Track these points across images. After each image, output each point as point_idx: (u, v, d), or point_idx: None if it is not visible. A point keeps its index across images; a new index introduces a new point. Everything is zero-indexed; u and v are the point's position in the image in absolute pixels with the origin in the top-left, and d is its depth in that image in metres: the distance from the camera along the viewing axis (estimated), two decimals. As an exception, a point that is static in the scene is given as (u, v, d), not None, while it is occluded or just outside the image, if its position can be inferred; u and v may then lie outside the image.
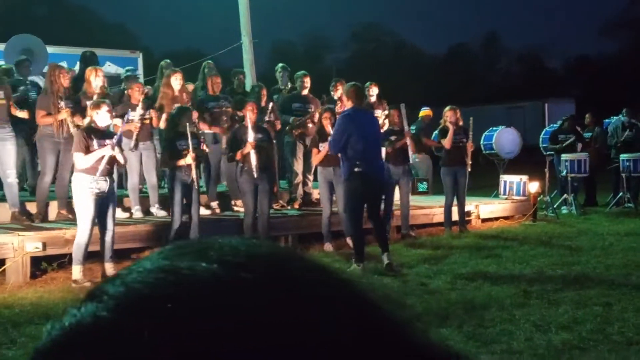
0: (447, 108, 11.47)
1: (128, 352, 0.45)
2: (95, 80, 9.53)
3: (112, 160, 7.92)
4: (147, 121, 9.77)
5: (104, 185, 7.78)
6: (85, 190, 7.72)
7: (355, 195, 8.41)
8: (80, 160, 7.77)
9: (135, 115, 9.63)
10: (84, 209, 7.75)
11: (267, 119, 10.63)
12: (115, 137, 7.95)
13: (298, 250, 0.55)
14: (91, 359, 0.46)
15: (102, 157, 7.70)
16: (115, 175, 8.78)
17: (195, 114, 9.93)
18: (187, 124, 8.83)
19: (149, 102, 10.01)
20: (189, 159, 8.65)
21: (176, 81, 10.11)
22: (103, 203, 7.86)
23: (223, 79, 11.37)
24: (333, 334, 0.47)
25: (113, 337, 0.46)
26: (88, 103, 8.45)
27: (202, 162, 9.79)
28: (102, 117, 7.86)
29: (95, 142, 7.76)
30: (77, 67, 12.79)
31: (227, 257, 0.51)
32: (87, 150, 7.71)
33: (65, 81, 9.08)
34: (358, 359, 0.46)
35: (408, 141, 10.46)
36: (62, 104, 8.97)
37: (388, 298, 0.52)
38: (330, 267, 0.54)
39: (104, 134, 7.93)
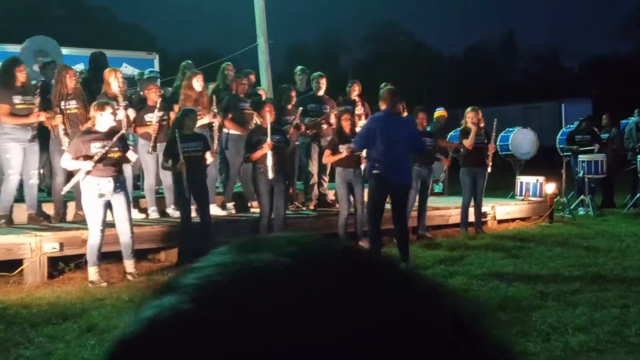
0: (469, 109, 11.43)
1: (210, 344, 0.45)
2: (115, 82, 9.57)
3: (119, 161, 7.95)
4: (165, 122, 9.81)
5: (108, 187, 7.78)
6: (89, 192, 7.76)
7: (373, 196, 8.54)
8: (65, 160, 7.85)
9: (153, 116, 9.67)
10: (91, 210, 7.79)
11: (295, 121, 10.60)
12: (114, 140, 7.82)
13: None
14: (173, 351, 0.46)
15: (79, 170, 7.72)
16: (130, 177, 8.84)
17: (218, 118, 9.97)
18: (189, 126, 8.80)
19: (166, 103, 10.04)
20: (179, 166, 8.52)
21: (197, 83, 10.12)
22: (113, 204, 7.89)
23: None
24: (417, 331, 0.47)
25: (194, 329, 0.47)
26: (93, 104, 8.49)
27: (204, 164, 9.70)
28: (105, 119, 7.81)
29: (91, 146, 7.73)
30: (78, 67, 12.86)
31: (298, 250, 0.52)
32: (79, 153, 7.71)
33: (72, 82, 9.11)
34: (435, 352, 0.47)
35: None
36: (64, 104, 8.98)
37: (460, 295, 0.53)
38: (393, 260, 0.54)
39: (106, 135, 7.85)
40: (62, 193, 8.68)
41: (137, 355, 0.48)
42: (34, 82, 9.72)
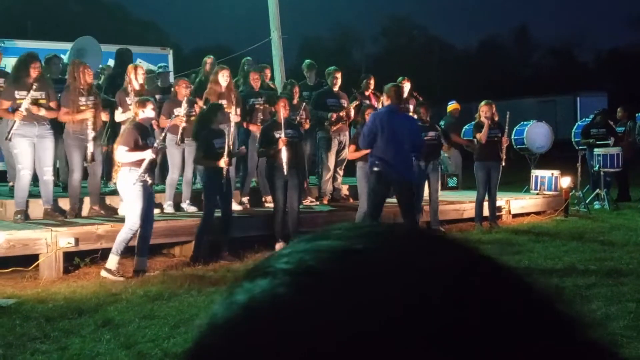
0: (483, 103, 11.37)
1: (310, 328, 0.45)
2: (137, 78, 9.65)
3: (154, 160, 8.11)
4: (192, 117, 9.88)
5: (152, 179, 7.99)
6: (139, 182, 7.83)
7: (373, 193, 8.69)
8: (124, 153, 7.89)
9: (181, 111, 9.75)
10: (138, 200, 7.86)
11: (298, 118, 10.62)
12: (159, 140, 8.14)
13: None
14: (272, 336, 0.46)
15: (144, 159, 7.83)
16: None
17: (238, 111, 10.08)
18: (220, 121, 8.87)
19: (192, 99, 10.10)
20: (222, 163, 8.63)
21: (223, 78, 10.18)
22: (150, 197, 8.03)
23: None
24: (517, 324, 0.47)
25: (293, 314, 0.46)
26: (131, 100, 8.67)
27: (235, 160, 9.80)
28: (147, 115, 8.03)
29: (145, 139, 7.92)
30: (109, 64, 12.93)
31: (389, 238, 0.52)
32: (136, 144, 7.82)
33: (88, 78, 9.15)
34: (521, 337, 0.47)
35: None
36: (83, 100, 9.04)
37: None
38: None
39: (149, 131, 8.12)
40: (134, 184, 8.59)
41: (232, 340, 0.47)
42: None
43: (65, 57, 11.91)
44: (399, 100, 9.01)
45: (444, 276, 0.48)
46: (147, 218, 8.01)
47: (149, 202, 8.03)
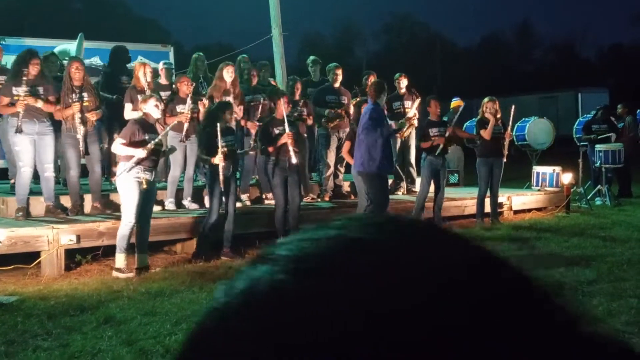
0: (487, 99, 11.34)
1: (307, 315, 0.45)
2: (144, 76, 9.68)
3: (157, 154, 8.07)
4: (196, 115, 9.88)
5: (149, 176, 7.92)
6: (133, 180, 7.83)
7: (384, 192, 9.25)
8: (118, 146, 7.94)
9: (184, 108, 9.75)
10: (131, 198, 7.85)
11: (296, 114, 10.61)
12: (163, 133, 8.14)
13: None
14: (269, 321, 0.46)
15: (133, 155, 7.81)
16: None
17: (241, 108, 10.10)
18: (227, 119, 8.84)
19: (196, 97, 10.10)
20: (217, 160, 8.53)
21: (228, 74, 10.21)
22: (147, 193, 7.99)
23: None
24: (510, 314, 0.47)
25: (292, 300, 0.47)
26: (139, 97, 8.76)
27: (238, 158, 9.74)
28: (149, 111, 8.04)
29: (145, 135, 7.90)
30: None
31: (388, 227, 0.52)
32: (132, 139, 7.85)
33: (79, 74, 9.12)
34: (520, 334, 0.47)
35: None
36: (74, 97, 9.01)
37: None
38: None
39: (153, 129, 8.08)
40: (113, 180, 8.69)
41: (232, 325, 0.48)
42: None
43: (73, 51, 11.96)
44: (375, 96, 9.28)
45: (445, 269, 0.48)
46: (143, 214, 8.01)
47: (145, 198, 7.99)
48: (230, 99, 9.86)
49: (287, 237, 0.54)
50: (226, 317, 0.49)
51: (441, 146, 10.54)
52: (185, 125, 9.73)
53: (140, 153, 7.78)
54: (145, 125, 8.02)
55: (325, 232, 0.52)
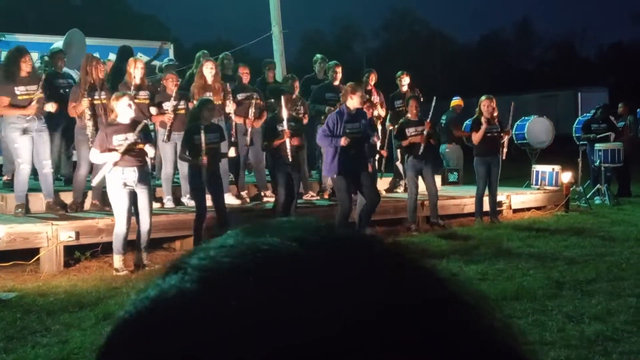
0: (484, 97, 11.31)
1: (211, 324, 0.45)
2: (135, 71, 9.61)
3: (142, 152, 7.99)
4: (182, 111, 9.83)
5: (133, 176, 7.83)
6: (115, 182, 7.81)
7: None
8: (93, 155, 7.95)
9: (169, 105, 9.71)
10: (117, 200, 7.86)
11: (294, 112, 10.59)
12: (136, 131, 7.85)
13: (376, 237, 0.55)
14: (175, 330, 0.46)
15: (107, 162, 7.78)
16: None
17: (233, 105, 10.03)
18: (208, 117, 8.70)
19: (183, 92, 10.05)
20: (198, 160, 8.46)
21: (207, 69, 10.08)
22: (137, 193, 7.93)
23: (253, 70, 11.33)
24: (425, 321, 0.47)
25: (197, 308, 0.47)
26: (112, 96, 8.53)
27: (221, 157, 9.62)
28: (122, 110, 7.84)
29: (113, 138, 7.77)
30: (109, 58, 12.91)
31: (304, 235, 0.51)
32: (103, 145, 7.79)
33: (100, 73, 9.13)
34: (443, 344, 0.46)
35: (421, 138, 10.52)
36: (96, 95, 9.04)
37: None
38: (405, 252, 0.53)
39: (129, 126, 7.87)
40: (93, 185, 8.72)
41: (139, 334, 0.48)
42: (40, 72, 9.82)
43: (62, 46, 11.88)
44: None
45: (363, 282, 0.48)
46: (136, 215, 8.01)
47: (137, 200, 7.96)
48: (209, 95, 9.74)
49: (204, 243, 0.53)
50: (135, 327, 0.49)
51: (423, 145, 10.48)
52: (169, 124, 9.68)
53: (113, 157, 7.72)
54: (118, 128, 7.84)
55: (243, 239, 0.52)
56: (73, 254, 8.49)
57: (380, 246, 0.53)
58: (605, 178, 13.72)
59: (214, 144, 8.68)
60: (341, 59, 12.77)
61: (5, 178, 10.64)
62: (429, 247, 8.95)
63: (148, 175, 8.25)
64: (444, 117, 14.61)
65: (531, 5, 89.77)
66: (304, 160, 10.65)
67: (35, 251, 8.13)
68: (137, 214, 8.04)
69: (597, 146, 13.85)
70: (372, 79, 11.85)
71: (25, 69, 8.86)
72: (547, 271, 7.52)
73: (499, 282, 7.12)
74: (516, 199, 12.46)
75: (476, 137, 11.07)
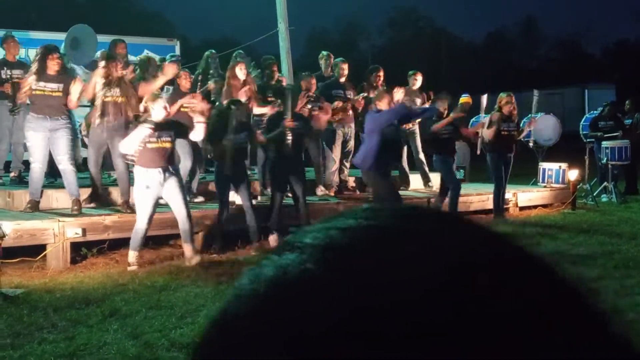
0: (504, 94, 11.24)
1: (335, 306, 0.45)
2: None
3: (170, 152, 8.01)
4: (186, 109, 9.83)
5: (158, 178, 7.81)
6: (139, 182, 7.87)
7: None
8: (122, 144, 7.95)
9: (183, 102, 9.71)
10: (140, 199, 7.93)
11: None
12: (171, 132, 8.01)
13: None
14: (299, 310, 0.46)
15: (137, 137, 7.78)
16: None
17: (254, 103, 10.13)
18: (238, 116, 8.76)
19: (192, 90, 10.12)
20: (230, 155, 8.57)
21: (241, 71, 10.28)
22: (166, 193, 7.95)
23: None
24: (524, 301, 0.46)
25: (321, 289, 0.46)
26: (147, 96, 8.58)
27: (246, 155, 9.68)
28: (157, 111, 7.88)
29: (146, 137, 7.82)
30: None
31: (410, 215, 0.53)
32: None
33: (117, 72, 9.05)
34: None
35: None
36: (109, 92, 8.99)
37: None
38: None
39: (160, 125, 7.89)
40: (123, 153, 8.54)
41: (258, 311, 0.47)
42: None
43: (61, 48, 11.88)
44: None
45: (474, 260, 0.48)
46: (176, 209, 8.10)
47: (170, 198, 8.03)
48: (243, 96, 9.83)
49: (312, 226, 0.53)
50: (254, 304, 0.48)
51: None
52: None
53: (144, 130, 7.74)
54: (152, 126, 7.88)
55: (352, 221, 0.51)
56: (80, 251, 8.51)
57: (475, 223, 0.54)
58: (613, 176, 13.68)
59: (243, 144, 8.84)
60: (346, 57, 12.75)
61: (12, 175, 10.65)
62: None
63: (177, 173, 8.26)
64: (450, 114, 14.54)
65: (536, 3, 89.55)
66: (319, 158, 10.79)
67: (42, 248, 8.14)
68: (174, 212, 8.09)
69: (605, 144, 13.81)
70: (380, 76, 11.81)
71: (51, 66, 8.87)
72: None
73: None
74: (523, 197, 12.43)
75: (489, 133, 10.97)
